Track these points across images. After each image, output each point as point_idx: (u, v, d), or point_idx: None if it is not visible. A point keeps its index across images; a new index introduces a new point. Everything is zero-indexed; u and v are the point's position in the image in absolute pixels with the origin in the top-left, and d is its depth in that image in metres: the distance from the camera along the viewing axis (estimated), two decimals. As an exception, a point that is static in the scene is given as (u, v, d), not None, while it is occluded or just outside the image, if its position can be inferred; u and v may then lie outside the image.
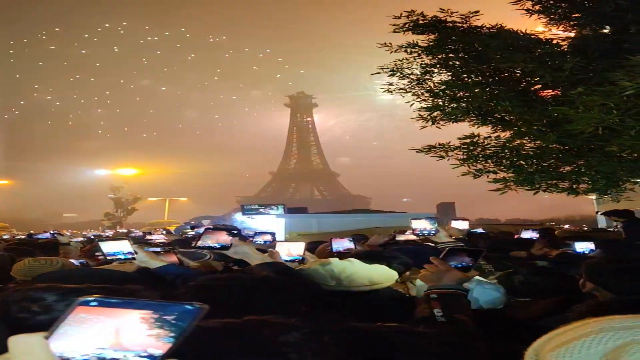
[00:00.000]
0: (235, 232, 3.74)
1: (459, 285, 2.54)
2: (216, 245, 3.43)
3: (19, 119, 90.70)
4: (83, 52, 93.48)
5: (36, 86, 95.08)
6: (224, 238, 3.43)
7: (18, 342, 0.87)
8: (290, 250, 4.06)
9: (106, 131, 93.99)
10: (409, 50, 12.74)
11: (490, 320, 2.56)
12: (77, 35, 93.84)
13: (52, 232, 12.98)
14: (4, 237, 17.39)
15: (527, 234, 9.45)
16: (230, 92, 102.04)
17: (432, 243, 5.41)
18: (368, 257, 3.62)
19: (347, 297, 2.93)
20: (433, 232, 5.09)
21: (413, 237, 6.06)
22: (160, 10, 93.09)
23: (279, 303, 2.00)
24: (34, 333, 0.87)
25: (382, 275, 3.19)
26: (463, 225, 8.52)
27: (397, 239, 6.70)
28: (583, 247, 5.79)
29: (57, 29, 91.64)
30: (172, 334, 0.87)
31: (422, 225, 5.13)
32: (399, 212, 28.79)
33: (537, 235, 9.29)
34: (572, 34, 12.00)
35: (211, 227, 3.79)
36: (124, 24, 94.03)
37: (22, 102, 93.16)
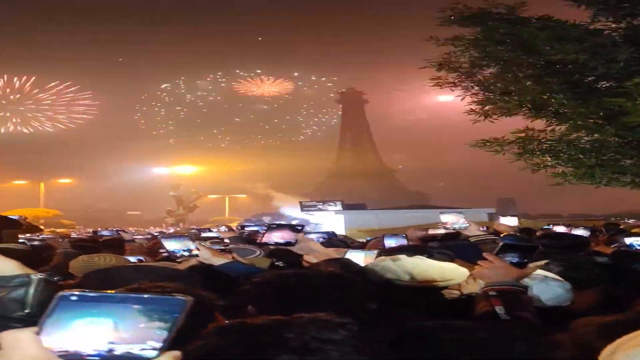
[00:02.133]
0: (300, 228, 3.81)
1: (516, 281, 2.47)
2: (281, 241, 3.50)
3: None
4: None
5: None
6: (288, 235, 3.50)
7: (8, 338, 0.88)
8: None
9: (165, 129, 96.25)
10: (455, 43, 12.58)
11: (553, 317, 2.44)
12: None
13: (115, 229, 13.43)
14: (73, 235, 18.07)
15: (579, 232, 9.12)
16: (283, 91, 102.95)
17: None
18: (410, 251, 3.59)
19: (416, 294, 2.83)
20: (463, 226, 5.06)
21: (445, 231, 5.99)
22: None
23: (345, 300, 1.95)
24: (24, 328, 0.88)
25: (454, 271, 3.11)
26: (512, 221, 8.23)
27: (430, 232, 6.61)
28: (631, 241, 5.70)
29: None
30: (162, 327, 0.87)
31: (452, 219, 5.15)
32: (458, 208, 28.47)
33: (589, 233, 9.03)
34: (623, 25, 11.65)
35: (275, 223, 3.91)
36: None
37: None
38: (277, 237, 3.52)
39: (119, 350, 0.87)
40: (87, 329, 0.87)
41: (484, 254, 2.77)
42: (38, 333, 0.87)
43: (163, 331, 0.87)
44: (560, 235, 6.96)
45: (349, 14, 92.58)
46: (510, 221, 7.98)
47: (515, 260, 2.80)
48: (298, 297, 1.93)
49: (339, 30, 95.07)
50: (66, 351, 0.87)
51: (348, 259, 3.21)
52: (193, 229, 19.59)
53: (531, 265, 2.84)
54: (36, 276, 1.70)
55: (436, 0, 13.74)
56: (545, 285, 2.77)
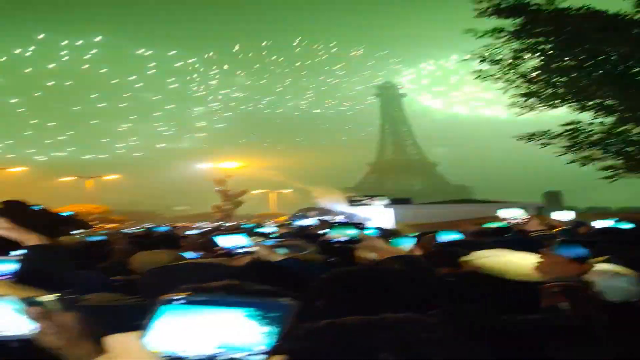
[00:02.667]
0: (361, 225, 3.90)
1: (576, 277, 2.40)
2: (345, 238, 3.59)
3: (124, 113, 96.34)
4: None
5: (141, 84, 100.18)
6: (350, 232, 3.61)
7: (115, 342, 0.90)
8: None
9: (208, 126, 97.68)
10: (495, 35, 12.38)
11: (620, 313, 2.34)
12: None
13: (169, 225, 13.55)
14: (127, 230, 18.42)
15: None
16: (321, 86, 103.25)
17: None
18: (466, 246, 3.58)
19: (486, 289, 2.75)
20: (523, 221, 4.98)
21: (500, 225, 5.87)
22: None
23: (413, 297, 1.95)
24: (130, 332, 0.89)
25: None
26: (567, 215, 7.89)
27: (483, 227, 6.54)
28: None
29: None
30: (268, 332, 0.87)
31: (511, 214, 5.06)
32: (506, 202, 28.04)
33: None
34: None
35: (340, 221, 3.96)
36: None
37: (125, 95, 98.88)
38: (340, 234, 3.59)
39: (224, 355, 0.87)
40: (192, 333, 0.87)
41: (541, 250, 2.73)
42: (143, 337, 0.88)
43: (269, 335, 0.86)
44: (619, 230, 6.75)
45: (385, 9, 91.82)
46: (564, 215, 7.71)
47: (575, 256, 2.77)
48: (369, 294, 1.94)
49: (376, 27, 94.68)
50: (171, 356, 0.87)
51: (412, 256, 3.15)
52: (242, 224, 19.61)
53: (591, 261, 2.74)
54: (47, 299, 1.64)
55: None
56: (609, 280, 2.61)
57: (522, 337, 1.58)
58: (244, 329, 0.87)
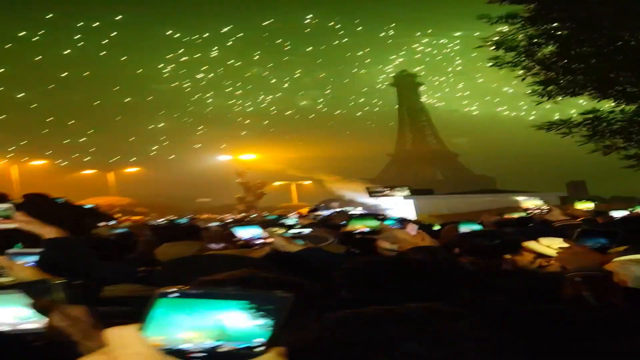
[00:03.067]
0: (381, 217, 3.90)
1: (599, 267, 2.37)
2: (366, 229, 3.57)
3: (147, 107, 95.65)
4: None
5: (165, 75, 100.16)
6: (372, 223, 3.56)
7: (114, 334, 0.89)
8: None
9: (227, 118, 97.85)
10: (510, 20, 12.30)
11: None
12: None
13: (190, 217, 13.65)
14: (151, 222, 18.64)
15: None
16: (339, 76, 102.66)
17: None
18: (485, 236, 3.66)
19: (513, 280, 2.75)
20: (545, 210, 4.93)
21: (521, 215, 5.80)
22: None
23: (436, 288, 1.94)
24: (128, 325, 0.89)
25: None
26: (588, 205, 7.80)
27: (505, 217, 6.52)
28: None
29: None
30: (264, 324, 0.87)
31: (533, 203, 5.03)
32: (528, 192, 27.74)
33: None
34: None
35: (359, 213, 3.98)
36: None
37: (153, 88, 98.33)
38: (362, 225, 3.59)
39: (223, 347, 0.87)
40: (189, 326, 0.87)
41: (564, 240, 2.75)
42: (141, 329, 0.88)
43: (267, 328, 0.86)
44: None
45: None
46: (586, 205, 7.63)
47: (597, 245, 2.77)
48: (392, 285, 1.95)
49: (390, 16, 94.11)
50: (170, 348, 0.87)
51: (435, 246, 3.12)
52: (267, 215, 19.66)
53: (612, 250, 2.74)
54: (54, 282, 1.74)
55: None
56: (634, 268, 2.55)
57: (547, 327, 1.55)
58: (240, 322, 0.87)
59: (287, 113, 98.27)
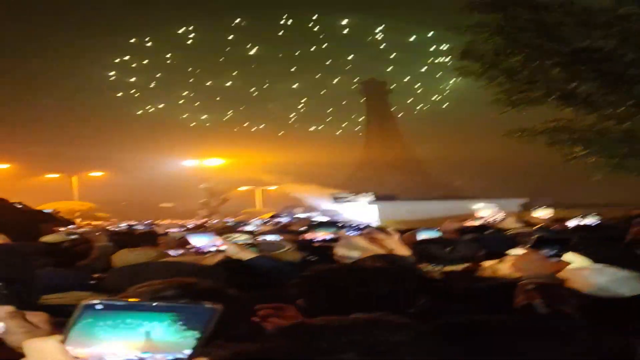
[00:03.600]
0: (340, 224, 3.87)
1: (552, 275, 2.39)
2: (326, 237, 3.57)
3: (107, 110, 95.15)
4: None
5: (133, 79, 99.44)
6: (330, 230, 3.57)
7: (34, 347, 0.86)
8: None
9: (191, 122, 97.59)
10: (477, 30, 12.37)
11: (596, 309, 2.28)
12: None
13: (148, 222, 13.50)
14: (108, 228, 18.32)
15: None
16: (305, 81, 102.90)
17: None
18: (443, 244, 3.52)
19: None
20: (499, 218, 4.95)
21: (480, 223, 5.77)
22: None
23: (396, 295, 1.95)
24: (49, 337, 0.86)
25: None
26: (546, 213, 7.85)
27: (465, 224, 6.49)
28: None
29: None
30: (190, 336, 0.85)
31: (487, 211, 4.98)
32: (490, 198, 28.09)
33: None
34: None
35: (317, 221, 3.93)
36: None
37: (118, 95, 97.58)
38: (321, 233, 3.59)
39: (148, 359, 0.85)
40: (115, 337, 0.85)
41: (521, 248, 2.79)
42: (63, 341, 0.85)
43: (192, 339, 0.85)
44: (596, 227, 6.73)
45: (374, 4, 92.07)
46: (544, 213, 7.67)
47: (551, 253, 2.79)
48: (349, 293, 1.95)
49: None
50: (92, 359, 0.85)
51: (394, 255, 3.06)
52: (228, 221, 19.58)
53: (566, 258, 2.80)
54: None
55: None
56: (587, 276, 2.58)
57: (494, 336, 1.55)
58: (165, 334, 0.86)
59: (256, 119, 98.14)
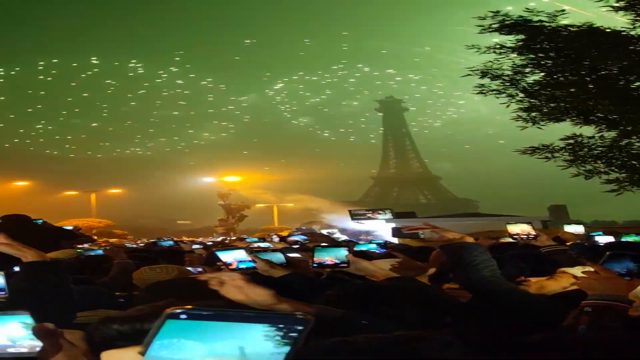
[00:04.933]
0: (347, 248, 3.68)
1: (622, 296, 2.08)
2: (336, 262, 3.37)
3: (129, 129, 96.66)
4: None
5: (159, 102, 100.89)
6: (340, 254, 3.36)
7: (113, 359, 0.85)
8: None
9: (210, 141, 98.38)
10: (497, 51, 12.55)
11: None
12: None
13: (174, 239, 13.46)
14: (127, 245, 18.43)
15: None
16: (325, 102, 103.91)
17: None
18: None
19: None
20: (532, 236, 4.64)
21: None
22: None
23: (426, 315, 1.94)
24: (128, 348, 0.83)
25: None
26: (578, 229, 7.47)
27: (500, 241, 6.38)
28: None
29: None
30: (282, 347, 0.80)
31: (519, 229, 4.87)
32: (511, 216, 27.73)
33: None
34: None
35: (322, 244, 3.74)
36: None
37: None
38: (329, 257, 3.42)
39: None
40: (203, 351, 0.80)
41: (588, 264, 2.47)
42: (143, 353, 0.81)
43: (282, 351, 0.80)
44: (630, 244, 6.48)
45: (388, 23, 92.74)
46: (576, 229, 7.37)
47: (624, 271, 2.48)
48: (380, 310, 1.92)
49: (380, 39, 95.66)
50: None
51: (408, 278, 2.95)
52: (245, 238, 19.62)
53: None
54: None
55: (476, 10, 13.74)
56: None
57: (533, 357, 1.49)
58: (254, 346, 0.80)
59: (273, 135, 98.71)
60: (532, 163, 14.17)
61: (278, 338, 0.80)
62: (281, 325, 0.81)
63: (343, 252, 3.39)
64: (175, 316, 0.80)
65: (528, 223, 4.83)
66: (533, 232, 4.70)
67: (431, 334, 1.23)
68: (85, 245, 10.26)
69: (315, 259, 3.47)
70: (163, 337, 0.80)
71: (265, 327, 0.80)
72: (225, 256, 3.55)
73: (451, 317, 2.02)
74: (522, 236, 4.78)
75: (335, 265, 3.40)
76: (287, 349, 0.80)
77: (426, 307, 2.02)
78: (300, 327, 0.82)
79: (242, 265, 3.39)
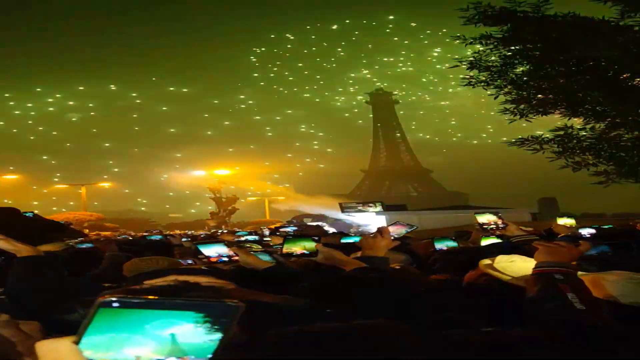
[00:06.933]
0: (317, 238, 3.63)
1: (566, 262, 2.08)
2: (304, 252, 3.37)
3: (121, 123, 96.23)
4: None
5: (135, 94, 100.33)
6: (309, 245, 3.38)
7: (45, 348, 0.83)
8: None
9: (206, 136, 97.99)
10: (483, 41, 12.46)
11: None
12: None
13: (164, 233, 13.43)
14: (119, 237, 18.38)
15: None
16: (314, 93, 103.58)
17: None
18: (466, 254, 3.53)
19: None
20: (501, 226, 4.71)
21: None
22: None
23: (396, 303, 1.93)
24: (62, 338, 0.82)
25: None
26: (569, 221, 7.51)
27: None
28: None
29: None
30: (213, 334, 0.81)
31: (488, 219, 4.93)
32: (501, 208, 27.86)
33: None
34: None
35: (291, 234, 3.78)
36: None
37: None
38: (298, 247, 3.44)
39: None
40: (135, 339, 0.80)
41: (535, 243, 2.42)
42: (77, 342, 0.80)
43: (214, 338, 0.81)
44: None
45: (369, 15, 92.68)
46: (567, 221, 7.44)
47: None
48: (355, 299, 1.95)
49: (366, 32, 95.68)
50: None
51: (376, 267, 2.90)
52: (236, 231, 19.68)
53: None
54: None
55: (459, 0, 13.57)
56: (627, 282, 2.29)
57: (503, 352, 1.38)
58: (190, 335, 0.81)
59: (264, 130, 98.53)
60: (522, 156, 14.20)
61: (209, 325, 0.81)
62: (211, 313, 0.81)
63: (312, 243, 3.41)
64: (108, 304, 0.80)
65: (495, 214, 4.91)
66: (501, 223, 4.77)
67: (386, 323, 1.25)
68: (78, 240, 10.24)
69: (284, 249, 3.48)
70: (96, 325, 0.80)
71: (196, 314, 0.81)
72: (208, 250, 3.59)
73: (418, 306, 2.00)
74: (490, 226, 4.85)
75: (304, 255, 3.41)
76: (219, 335, 0.81)
77: (392, 295, 2.04)
78: (230, 314, 0.82)
79: (226, 259, 3.45)
